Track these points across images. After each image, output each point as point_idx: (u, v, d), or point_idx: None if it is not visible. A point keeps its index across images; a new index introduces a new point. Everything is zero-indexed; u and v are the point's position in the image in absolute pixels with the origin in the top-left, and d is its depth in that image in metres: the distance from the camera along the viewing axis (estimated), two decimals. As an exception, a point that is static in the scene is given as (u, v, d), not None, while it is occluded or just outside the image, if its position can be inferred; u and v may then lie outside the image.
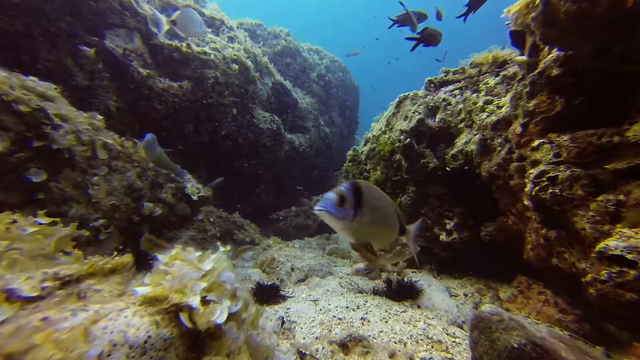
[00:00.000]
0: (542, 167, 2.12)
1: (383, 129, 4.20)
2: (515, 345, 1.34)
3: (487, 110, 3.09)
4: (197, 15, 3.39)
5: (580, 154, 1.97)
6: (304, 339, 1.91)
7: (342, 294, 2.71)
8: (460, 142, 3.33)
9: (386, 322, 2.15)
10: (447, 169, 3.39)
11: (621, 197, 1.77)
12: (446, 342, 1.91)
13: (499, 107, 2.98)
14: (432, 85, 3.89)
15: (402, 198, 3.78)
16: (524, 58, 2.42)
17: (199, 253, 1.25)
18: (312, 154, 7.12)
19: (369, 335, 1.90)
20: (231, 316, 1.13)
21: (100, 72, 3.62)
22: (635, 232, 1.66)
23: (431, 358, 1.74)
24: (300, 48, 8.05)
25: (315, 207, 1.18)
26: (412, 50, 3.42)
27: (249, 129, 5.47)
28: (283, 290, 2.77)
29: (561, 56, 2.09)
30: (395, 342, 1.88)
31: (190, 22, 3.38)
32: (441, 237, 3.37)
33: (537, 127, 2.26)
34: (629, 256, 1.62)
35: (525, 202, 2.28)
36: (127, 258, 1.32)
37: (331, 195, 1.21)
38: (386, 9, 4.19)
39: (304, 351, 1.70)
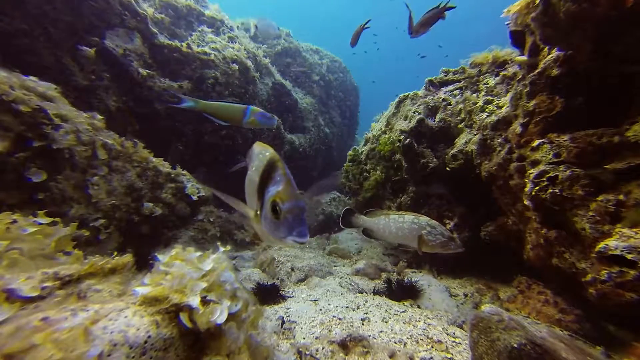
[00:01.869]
0: (542, 167, 2.12)
1: (383, 129, 4.20)
2: (515, 345, 1.34)
3: (487, 110, 3.09)
4: (271, 21, 4.34)
5: (580, 154, 1.97)
6: (304, 339, 1.91)
7: (342, 294, 2.71)
8: (460, 142, 3.33)
9: (386, 322, 2.15)
10: (447, 169, 3.38)
11: (621, 197, 1.77)
12: (446, 342, 1.91)
13: (499, 107, 2.98)
14: (432, 85, 3.89)
15: (402, 198, 3.79)
16: (524, 58, 2.42)
17: (199, 253, 1.25)
18: (312, 154, 7.11)
19: (369, 335, 1.90)
20: (231, 316, 1.13)
21: (100, 72, 3.62)
22: (635, 232, 1.66)
23: (431, 358, 1.74)
24: (301, 48, 8.03)
25: (302, 239, 1.04)
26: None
27: (249, 129, 5.46)
28: (283, 290, 2.77)
29: (561, 56, 2.09)
30: (395, 342, 1.88)
31: (269, 25, 4.35)
32: (441, 237, 3.36)
33: (537, 127, 2.26)
34: (629, 256, 1.62)
35: (525, 202, 2.28)
36: (127, 258, 1.31)
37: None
38: (387, 8, 4.20)
39: (303, 351, 1.69)
